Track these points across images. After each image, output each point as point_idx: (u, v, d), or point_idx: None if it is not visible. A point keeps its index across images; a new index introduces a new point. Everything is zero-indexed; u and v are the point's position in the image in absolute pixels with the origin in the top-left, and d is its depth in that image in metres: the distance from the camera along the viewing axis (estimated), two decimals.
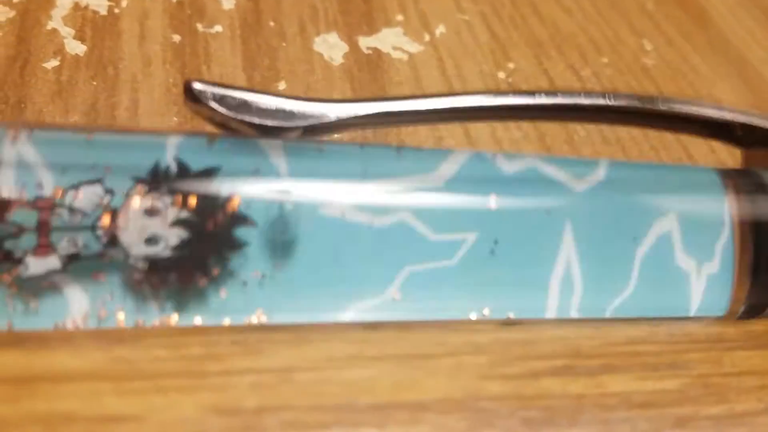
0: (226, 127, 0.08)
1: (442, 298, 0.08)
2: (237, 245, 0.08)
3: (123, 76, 0.13)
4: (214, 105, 0.08)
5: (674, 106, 0.10)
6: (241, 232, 0.07)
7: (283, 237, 0.08)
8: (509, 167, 0.09)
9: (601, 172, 0.09)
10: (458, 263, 0.08)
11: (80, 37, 0.14)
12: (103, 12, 0.14)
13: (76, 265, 0.07)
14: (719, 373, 0.09)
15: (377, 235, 0.08)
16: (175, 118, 0.13)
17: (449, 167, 0.08)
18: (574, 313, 0.09)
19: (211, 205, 0.08)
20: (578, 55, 0.16)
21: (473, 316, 0.09)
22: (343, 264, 0.08)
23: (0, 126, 0.07)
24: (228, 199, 0.08)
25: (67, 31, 0.14)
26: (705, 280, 0.09)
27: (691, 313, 0.09)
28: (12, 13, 0.14)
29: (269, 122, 0.08)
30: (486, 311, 0.09)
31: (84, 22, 0.14)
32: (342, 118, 0.08)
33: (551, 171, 0.09)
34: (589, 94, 0.09)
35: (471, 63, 0.15)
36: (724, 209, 0.09)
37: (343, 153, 0.08)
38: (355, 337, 0.09)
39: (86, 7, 0.14)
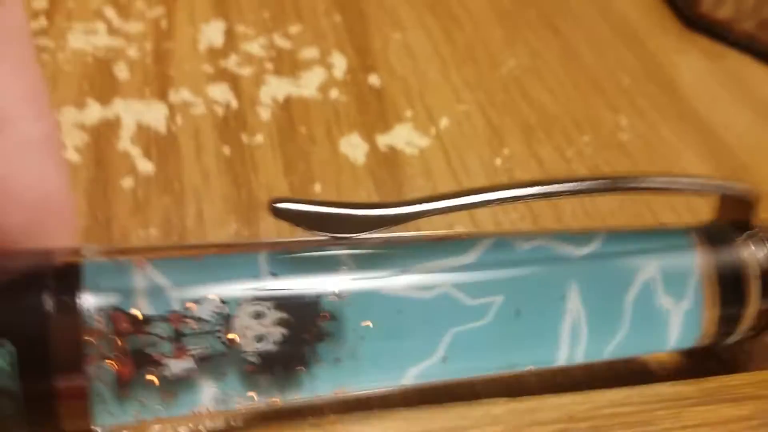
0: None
1: (480, 352, 0.11)
2: (323, 336, 0.10)
3: (187, 190, 0.16)
4: (297, 223, 0.10)
5: (646, 182, 0.12)
6: (325, 325, 0.10)
7: (355, 325, 0.10)
8: (524, 245, 0.11)
9: (596, 242, 0.11)
10: (490, 321, 0.11)
11: (147, 155, 0.16)
12: (163, 130, 0.17)
13: (206, 363, 0.09)
14: (679, 427, 0.11)
15: (427, 306, 0.10)
16: (234, 225, 0.15)
17: (479, 249, 0.11)
18: (579, 359, 0.11)
19: (301, 305, 0.10)
20: (563, 136, 0.19)
21: (505, 371, 0.11)
22: (402, 335, 0.10)
23: (124, 259, 0.10)
24: (314, 299, 0.10)
25: (136, 151, 0.16)
26: (682, 315, 0.11)
27: (671, 345, 0.12)
28: (87, 138, 0.17)
29: (343, 233, 0.10)
30: (513, 363, 0.11)
31: (149, 140, 0.17)
32: (396, 219, 0.10)
33: (557, 245, 0.11)
34: (574, 180, 0.11)
35: (471, 152, 0.18)
36: (694, 259, 0.12)
37: (397, 245, 0.11)
38: (396, 416, 0.11)
39: (148, 127, 0.17)
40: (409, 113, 0.19)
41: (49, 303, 0.09)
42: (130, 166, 0.16)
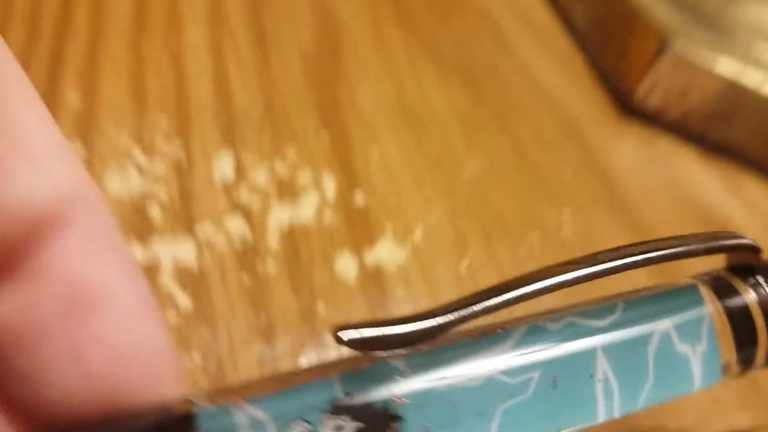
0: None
1: (528, 423, 0.12)
2: None
3: (218, 318, 0.20)
4: (360, 347, 0.11)
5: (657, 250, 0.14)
6: (396, 425, 0.11)
7: (420, 422, 0.11)
8: (553, 326, 0.13)
9: (617, 312, 0.13)
10: (531, 394, 0.12)
11: (183, 288, 0.21)
12: (194, 265, 0.21)
13: None
14: None
15: (476, 392, 0.12)
16: (259, 346, 0.20)
17: (516, 336, 0.13)
18: (617, 414, 0.13)
19: (373, 413, 0.11)
20: (516, 236, 0.23)
21: None
22: (459, 422, 0.12)
23: (224, 401, 0.11)
24: (382, 405, 0.11)
25: (174, 286, 0.21)
26: (700, 357, 0.13)
27: (697, 386, 0.13)
28: None
29: (403, 351, 0.11)
30: (559, 427, 0.12)
31: (183, 275, 0.21)
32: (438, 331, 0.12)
33: (582, 320, 0.13)
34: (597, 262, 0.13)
35: (442, 260, 0.22)
36: (704, 307, 0.14)
37: (443, 346, 0.12)
38: None
39: (182, 263, 0.21)
40: (389, 227, 0.23)
41: None
42: (170, 301, 0.20)
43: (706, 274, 0.15)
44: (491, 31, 0.31)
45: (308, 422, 0.11)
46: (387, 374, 0.11)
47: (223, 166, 0.24)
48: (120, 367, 0.10)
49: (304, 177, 0.24)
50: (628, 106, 0.27)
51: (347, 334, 0.11)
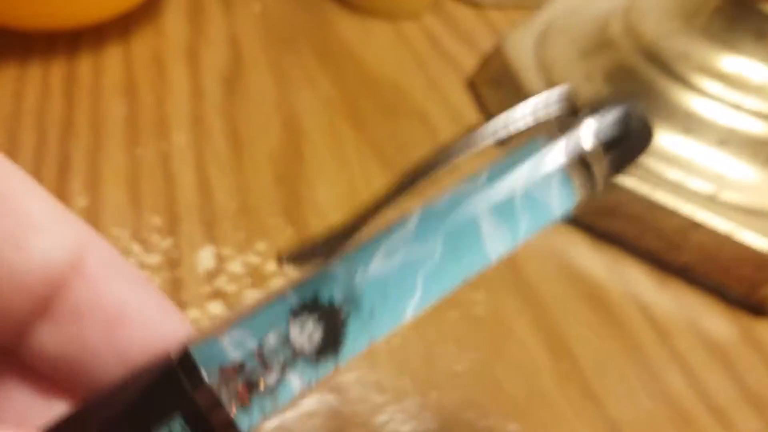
0: None
1: (441, 284, 0.13)
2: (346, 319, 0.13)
3: None
4: (303, 263, 0.13)
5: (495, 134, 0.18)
6: (347, 311, 0.13)
7: (362, 306, 0.13)
8: (440, 203, 0.14)
9: (485, 175, 0.14)
10: (438, 257, 0.13)
11: None
12: None
13: (286, 369, 0.12)
14: None
15: (401, 268, 0.13)
16: None
17: (413, 220, 0.14)
18: (506, 249, 0.14)
19: (328, 308, 0.12)
20: (439, 313, 0.29)
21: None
22: (392, 297, 0.13)
23: (208, 335, 0.12)
24: (331, 300, 0.12)
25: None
26: (556, 189, 0.14)
27: (559, 212, 0.14)
28: None
29: (329, 256, 0.13)
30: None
31: None
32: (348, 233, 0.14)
33: (459, 192, 0.14)
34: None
35: None
36: (551, 150, 0.14)
37: (367, 244, 0.13)
38: None
39: None
40: None
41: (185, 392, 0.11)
42: None
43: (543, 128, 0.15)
44: (428, 131, 0.37)
45: (279, 328, 0.12)
46: (327, 277, 0.13)
47: (206, 258, 0.29)
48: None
49: (272, 266, 0.29)
50: None
51: (288, 256, 0.13)
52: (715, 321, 0.29)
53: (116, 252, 0.13)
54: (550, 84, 0.37)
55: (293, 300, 0.12)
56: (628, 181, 0.31)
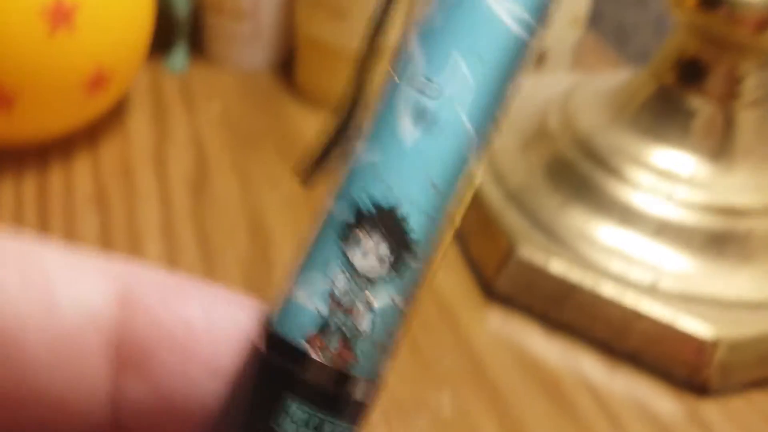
0: None
1: None
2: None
3: None
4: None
5: None
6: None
7: None
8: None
9: None
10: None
11: None
12: None
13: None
14: None
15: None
16: None
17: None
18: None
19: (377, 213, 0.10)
20: (410, 417, 0.30)
21: None
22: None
23: (278, 303, 0.11)
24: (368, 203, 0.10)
25: None
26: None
27: None
28: None
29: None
30: None
31: None
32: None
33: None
34: None
35: None
36: None
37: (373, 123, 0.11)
38: None
39: None
40: None
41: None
42: None
43: None
44: None
45: (338, 265, 0.11)
46: (354, 180, 0.11)
47: None
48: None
49: None
50: (489, 290, 0.36)
51: (305, 166, 0.12)
52: (663, 403, 0.32)
53: (161, 272, 0.12)
54: (495, 176, 0.39)
55: (336, 227, 0.11)
56: (574, 273, 0.34)
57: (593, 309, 0.33)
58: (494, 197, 0.37)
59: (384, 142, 0.11)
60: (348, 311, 0.10)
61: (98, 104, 0.40)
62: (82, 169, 0.40)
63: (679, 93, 0.36)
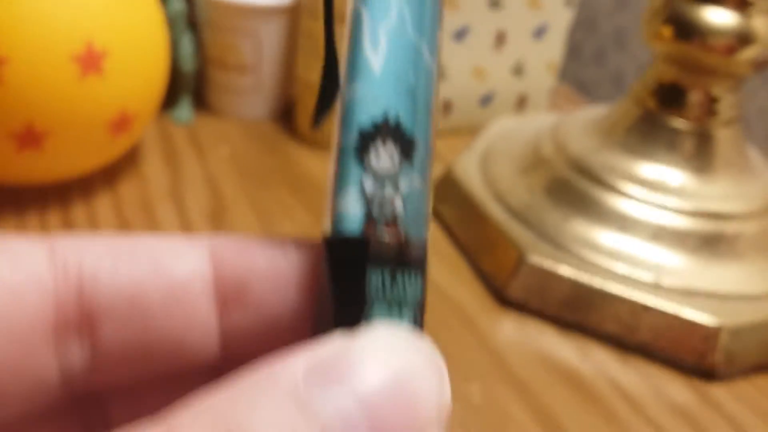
0: None
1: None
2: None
3: None
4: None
5: None
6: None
7: None
8: None
9: None
10: None
11: None
12: None
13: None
14: None
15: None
16: None
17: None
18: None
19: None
20: None
21: None
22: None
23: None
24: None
25: None
26: None
27: None
28: None
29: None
30: None
31: None
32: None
33: None
34: None
35: None
36: None
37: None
38: None
39: None
40: None
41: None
42: None
43: None
44: None
45: (362, 174, 0.13)
46: (353, 104, 0.13)
47: None
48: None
49: None
50: (503, 299, 0.38)
51: (314, 122, 0.15)
52: (675, 388, 0.33)
53: (236, 236, 0.14)
54: (498, 198, 0.41)
55: (350, 150, 0.13)
56: (582, 276, 0.36)
57: (603, 307, 0.35)
58: (499, 216, 0.40)
59: (360, 73, 0.13)
60: (382, 202, 0.13)
61: (120, 145, 0.41)
62: (103, 204, 0.41)
63: (662, 115, 0.40)
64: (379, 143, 0.13)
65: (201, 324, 0.14)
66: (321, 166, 0.47)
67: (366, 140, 0.13)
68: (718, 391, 0.33)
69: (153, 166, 0.45)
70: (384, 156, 0.13)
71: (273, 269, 0.14)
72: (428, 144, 0.13)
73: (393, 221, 0.13)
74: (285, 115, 0.53)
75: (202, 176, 0.45)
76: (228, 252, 0.14)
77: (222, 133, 0.50)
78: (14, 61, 0.35)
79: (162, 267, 0.14)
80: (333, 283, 0.13)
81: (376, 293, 0.13)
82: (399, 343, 0.12)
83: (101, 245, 0.14)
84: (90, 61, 0.37)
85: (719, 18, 0.36)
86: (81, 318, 0.14)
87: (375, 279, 0.13)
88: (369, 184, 0.13)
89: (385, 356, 0.11)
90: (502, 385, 0.32)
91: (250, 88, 0.51)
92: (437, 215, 0.44)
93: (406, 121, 0.13)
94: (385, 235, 0.13)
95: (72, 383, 0.15)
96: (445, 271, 0.39)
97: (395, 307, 0.13)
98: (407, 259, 0.13)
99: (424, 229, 0.13)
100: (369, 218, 0.13)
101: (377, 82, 0.13)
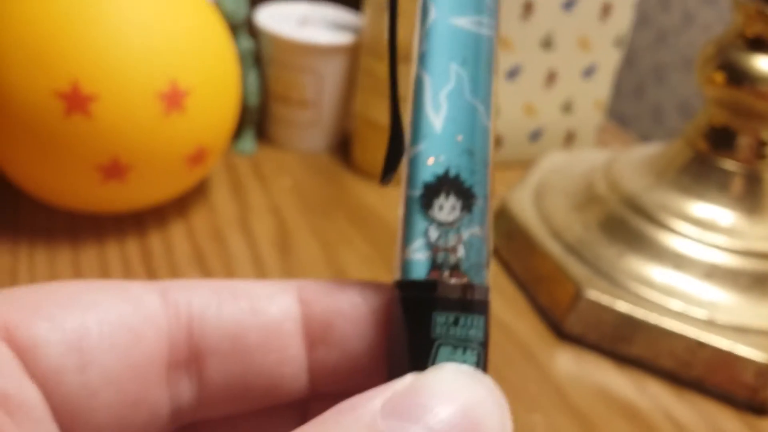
0: None
1: None
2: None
3: None
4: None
5: None
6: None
7: None
8: None
9: None
10: None
11: None
12: None
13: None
14: None
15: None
16: None
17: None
18: None
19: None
20: None
21: None
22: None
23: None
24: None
25: None
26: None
27: None
28: None
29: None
30: None
31: None
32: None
33: None
34: None
35: None
36: None
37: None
38: None
39: None
40: None
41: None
42: None
43: None
44: None
45: (426, 224, 0.14)
46: (418, 162, 0.15)
47: None
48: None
49: None
50: (560, 332, 0.39)
51: (384, 179, 0.16)
52: (729, 422, 0.34)
53: (318, 280, 0.16)
54: (553, 233, 0.43)
55: (416, 203, 0.14)
56: (638, 311, 0.37)
57: (658, 343, 0.36)
58: (555, 252, 0.41)
59: (423, 133, 0.15)
60: (446, 250, 0.14)
61: (194, 177, 0.43)
62: (177, 233, 0.43)
63: (713, 157, 0.41)
64: (442, 196, 0.14)
65: (292, 361, 0.16)
66: (376, 197, 0.49)
67: (430, 193, 0.14)
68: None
69: (221, 195, 0.47)
70: (446, 207, 0.14)
71: (354, 310, 0.15)
72: (486, 196, 0.15)
73: (456, 267, 0.14)
74: (342, 148, 0.55)
75: (267, 206, 0.47)
76: (314, 294, 0.16)
77: (283, 165, 0.52)
78: (104, 98, 0.37)
79: (259, 309, 0.15)
80: (404, 324, 0.14)
81: (442, 334, 0.14)
82: (464, 380, 0.13)
83: (206, 289, 0.16)
84: (174, 99, 0.39)
85: None
86: (190, 357, 0.15)
87: (440, 321, 0.14)
88: (433, 234, 0.14)
89: (451, 392, 0.13)
90: (563, 417, 0.34)
91: (310, 122, 0.53)
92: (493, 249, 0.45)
93: (465, 176, 0.14)
94: (449, 280, 0.14)
95: (179, 417, 0.16)
96: (504, 304, 0.41)
97: (460, 348, 0.14)
98: (470, 303, 0.14)
99: (485, 275, 0.15)
100: (434, 264, 0.14)
101: (439, 141, 0.14)
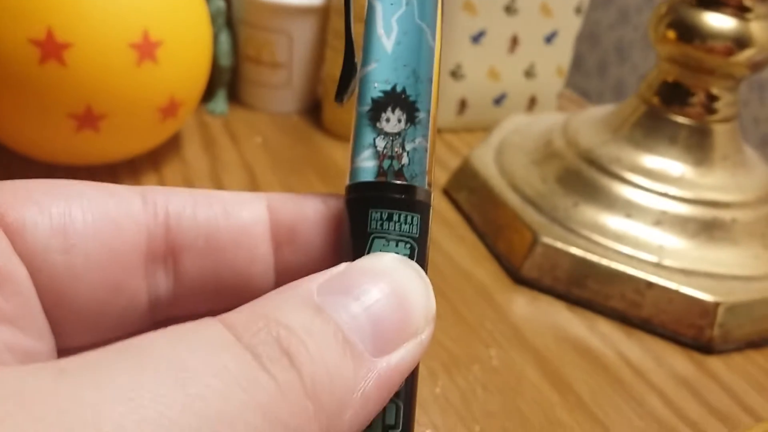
0: None
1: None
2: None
3: None
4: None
5: None
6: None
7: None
8: None
9: None
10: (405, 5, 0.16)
11: None
12: None
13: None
14: None
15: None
16: None
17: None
18: None
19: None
20: (465, 368, 0.33)
21: None
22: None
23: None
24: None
25: None
26: None
27: None
28: None
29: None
30: None
31: None
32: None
33: None
34: None
35: (421, 388, 0.32)
36: None
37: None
38: None
39: None
40: None
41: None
42: None
43: None
44: None
45: (374, 134, 0.15)
46: (364, 82, 0.16)
47: None
48: None
49: None
50: (517, 277, 0.39)
51: (337, 98, 0.17)
52: (676, 359, 0.35)
53: (288, 194, 0.17)
54: (513, 186, 0.43)
55: (365, 116, 0.15)
56: (591, 256, 0.37)
57: (609, 285, 0.37)
58: (514, 203, 0.41)
59: (374, 55, 0.15)
60: (391, 157, 0.15)
61: (166, 130, 0.43)
62: (149, 185, 0.43)
63: (665, 112, 0.41)
64: (389, 110, 0.15)
65: (261, 260, 0.16)
66: (346, 155, 0.49)
67: (378, 107, 0.15)
68: (715, 362, 0.35)
69: (192, 151, 0.47)
70: (393, 120, 0.15)
71: (317, 215, 0.16)
72: (429, 111, 0.15)
73: (400, 172, 0.15)
74: (314, 111, 0.54)
75: (238, 162, 0.47)
76: (281, 203, 0.16)
77: (254, 125, 0.52)
78: (77, 45, 0.36)
79: (231, 213, 0.16)
80: (347, 222, 0.15)
81: (376, 228, 0.15)
82: (392, 263, 0.14)
83: (184, 193, 0.16)
84: (146, 49, 0.38)
85: (719, 22, 0.38)
86: (166, 251, 0.16)
87: (375, 217, 0.15)
88: (380, 142, 0.15)
89: (380, 272, 0.14)
90: (518, 351, 0.34)
91: (282, 83, 0.53)
92: (456, 202, 0.45)
93: (410, 92, 0.15)
94: (392, 183, 0.15)
95: (156, 310, 0.16)
96: (464, 252, 0.41)
97: (393, 242, 0.15)
98: (405, 201, 0.15)
99: (426, 180, 0.15)
100: (380, 170, 0.15)
101: (388, 61, 0.15)
